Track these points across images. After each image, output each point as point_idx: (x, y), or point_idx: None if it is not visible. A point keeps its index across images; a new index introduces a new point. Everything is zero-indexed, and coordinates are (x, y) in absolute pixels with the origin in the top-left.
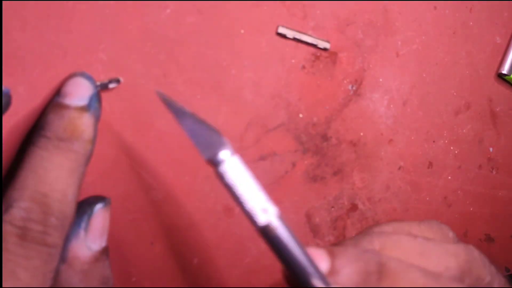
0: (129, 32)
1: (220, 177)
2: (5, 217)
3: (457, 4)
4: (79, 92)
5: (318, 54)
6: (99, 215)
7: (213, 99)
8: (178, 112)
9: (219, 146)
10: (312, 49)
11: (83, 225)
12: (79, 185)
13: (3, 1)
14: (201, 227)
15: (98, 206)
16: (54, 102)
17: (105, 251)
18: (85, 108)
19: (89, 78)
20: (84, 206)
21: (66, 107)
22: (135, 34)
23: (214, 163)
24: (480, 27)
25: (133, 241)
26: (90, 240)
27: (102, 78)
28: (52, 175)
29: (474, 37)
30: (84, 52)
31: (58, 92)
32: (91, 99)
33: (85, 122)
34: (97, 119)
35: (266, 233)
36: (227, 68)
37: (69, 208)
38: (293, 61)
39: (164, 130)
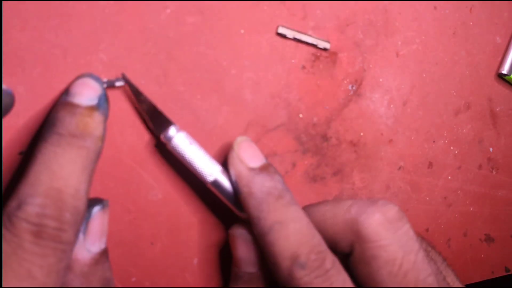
0: (129, 32)
1: (173, 150)
2: (19, 214)
3: (457, 4)
4: (89, 92)
5: (318, 54)
6: (97, 217)
7: (213, 99)
8: (138, 94)
9: (168, 125)
10: (312, 49)
11: (81, 228)
12: (90, 181)
13: (3, 1)
14: (201, 227)
15: (96, 209)
16: (63, 101)
17: (104, 253)
18: (94, 107)
19: (97, 79)
20: None
21: (76, 105)
22: (135, 34)
23: (166, 139)
24: (480, 27)
25: (133, 241)
26: (89, 243)
27: (102, 78)
28: (66, 171)
29: (474, 37)
30: (84, 52)
31: (66, 92)
32: (100, 99)
33: (96, 120)
34: (105, 118)
35: (215, 186)
36: (227, 68)
37: (82, 204)
38: (293, 61)
39: None
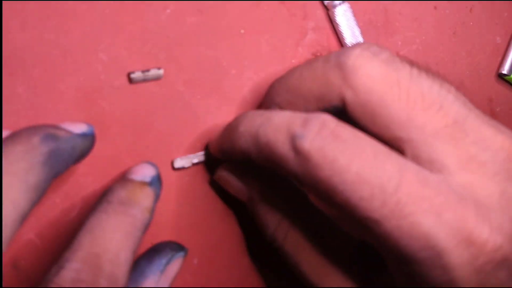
0: (129, 32)
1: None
2: (55, 279)
3: (457, 4)
4: (143, 172)
5: (319, 54)
6: (178, 263)
7: (213, 99)
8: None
9: None
10: (312, 49)
11: (161, 267)
12: (134, 250)
13: (3, 1)
14: (201, 227)
15: (179, 255)
16: (120, 179)
17: None
18: (146, 183)
19: (154, 165)
20: (166, 249)
21: (130, 180)
22: (135, 34)
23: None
24: (480, 27)
25: None
26: (162, 284)
27: (102, 78)
28: (108, 236)
29: (474, 37)
30: (84, 52)
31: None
32: (153, 178)
33: (146, 192)
34: (156, 196)
35: None
36: (227, 68)
37: (121, 271)
38: (293, 61)
39: (164, 130)
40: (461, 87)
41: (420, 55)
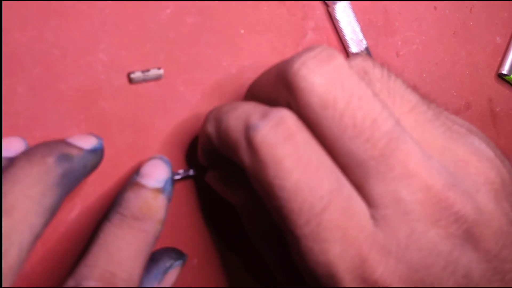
0: (129, 32)
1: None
2: None
3: (457, 4)
4: (157, 174)
5: None
6: (175, 271)
7: (213, 99)
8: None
9: None
10: None
11: (159, 276)
12: (144, 264)
13: (3, 1)
14: (201, 227)
15: (177, 263)
16: (132, 180)
17: None
18: (160, 190)
19: (167, 162)
20: (164, 258)
21: (143, 186)
22: (135, 34)
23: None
24: (480, 27)
25: None
26: None
27: (102, 78)
28: (123, 255)
29: (474, 37)
30: (84, 52)
31: (137, 171)
32: (166, 182)
33: (159, 203)
34: (168, 202)
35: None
36: (227, 68)
37: (133, 286)
38: None
39: (164, 130)
40: (461, 87)
41: (420, 55)
